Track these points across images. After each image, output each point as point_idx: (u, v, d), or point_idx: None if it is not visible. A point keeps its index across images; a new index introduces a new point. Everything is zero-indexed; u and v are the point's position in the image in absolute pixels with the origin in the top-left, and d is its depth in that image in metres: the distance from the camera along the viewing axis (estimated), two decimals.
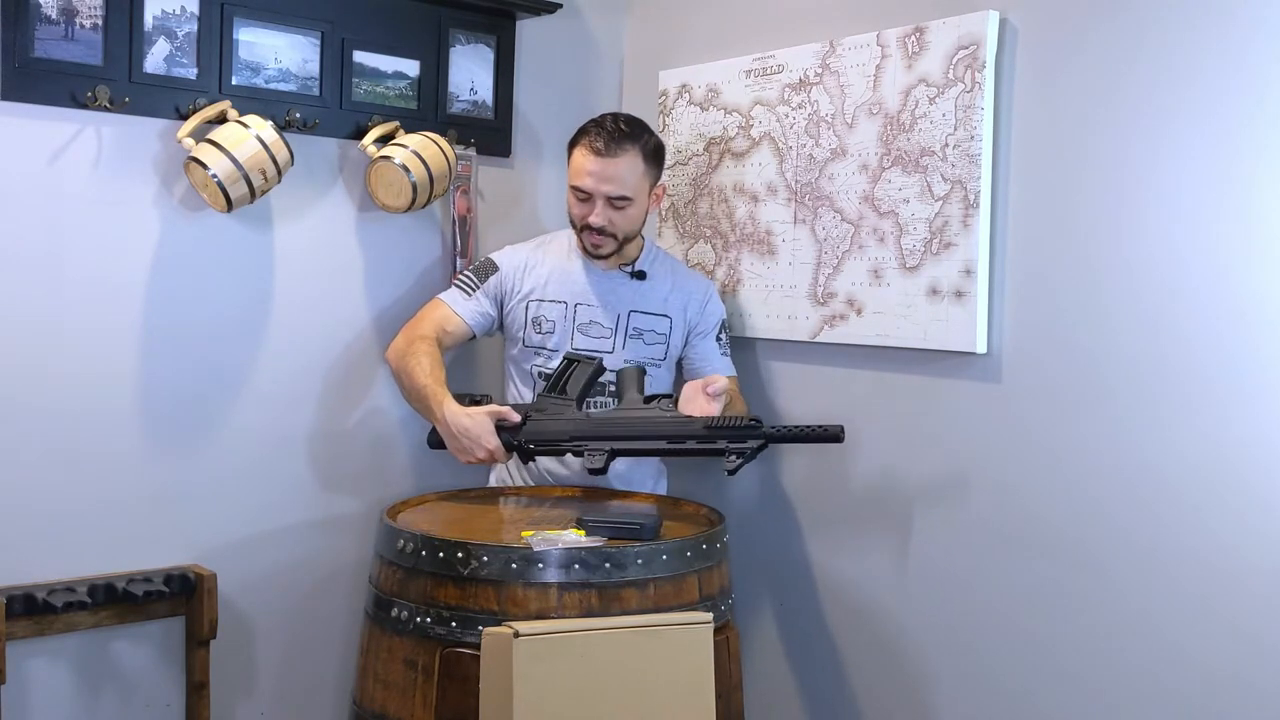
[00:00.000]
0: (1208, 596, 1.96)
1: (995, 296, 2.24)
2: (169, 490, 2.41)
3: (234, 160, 2.26)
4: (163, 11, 2.33)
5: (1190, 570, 1.98)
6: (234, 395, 2.49)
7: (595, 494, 2.45)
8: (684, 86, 2.81)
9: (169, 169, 2.36)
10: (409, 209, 2.55)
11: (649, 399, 2.32)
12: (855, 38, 2.43)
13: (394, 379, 2.50)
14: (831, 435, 2.16)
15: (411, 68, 2.67)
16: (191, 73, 2.37)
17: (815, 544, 2.58)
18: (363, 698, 2.11)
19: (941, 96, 2.28)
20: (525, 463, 2.47)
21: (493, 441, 2.29)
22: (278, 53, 2.48)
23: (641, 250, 2.56)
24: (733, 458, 2.15)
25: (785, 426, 2.20)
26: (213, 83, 2.39)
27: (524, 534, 2.00)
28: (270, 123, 2.34)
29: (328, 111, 2.55)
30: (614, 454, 2.25)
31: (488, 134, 2.81)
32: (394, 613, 2.04)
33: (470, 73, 2.78)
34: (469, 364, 2.82)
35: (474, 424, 2.29)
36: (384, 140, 2.57)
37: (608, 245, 2.45)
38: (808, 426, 2.18)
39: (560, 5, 2.83)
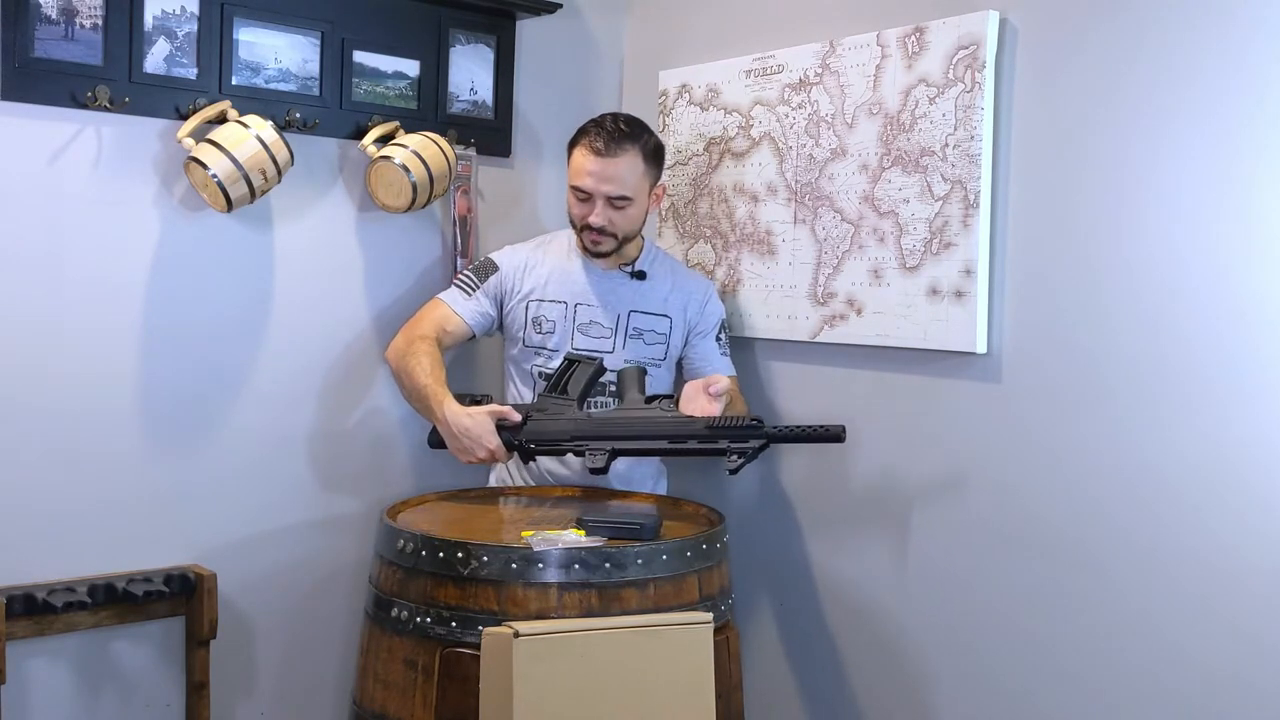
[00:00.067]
0: (1208, 596, 1.96)
1: (995, 296, 2.24)
2: (169, 490, 2.41)
3: (234, 160, 2.26)
4: (163, 11, 2.33)
5: (1190, 570, 1.98)
6: (234, 395, 2.49)
7: (595, 494, 2.45)
8: (684, 86, 2.81)
9: (169, 169, 2.36)
10: (409, 209, 2.55)
11: (650, 399, 2.32)
12: (855, 38, 2.43)
13: (394, 379, 2.50)
14: (833, 435, 2.16)
15: (411, 68, 2.67)
16: (191, 73, 2.37)
17: (815, 544, 2.58)
18: (363, 698, 2.11)
19: (941, 96, 2.28)
20: (526, 463, 2.47)
21: (494, 441, 2.29)
22: (278, 53, 2.48)
23: (641, 250, 2.56)
24: (734, 458, 2.15)
25: (787, 426, 2.20)
26: (213, 83, 2.39)
27: (524, 534, 2.00)
28: (270, 123, 2.34)
29: (328, 111, 2.55)
30: (615, 454, 2.25)
31: (488, 134, 2.81)
32: (394, 613, 2.04)
33: (470, 73, 2.78)
34: (469, 364, 2.82)
35: (475, 424, 2.29)
36: (384, 140, 2.57)
37: (607, 244, 2.45)
38: (809, 426, 2.18)
39: (560, 5, 2.83)
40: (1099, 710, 2.11)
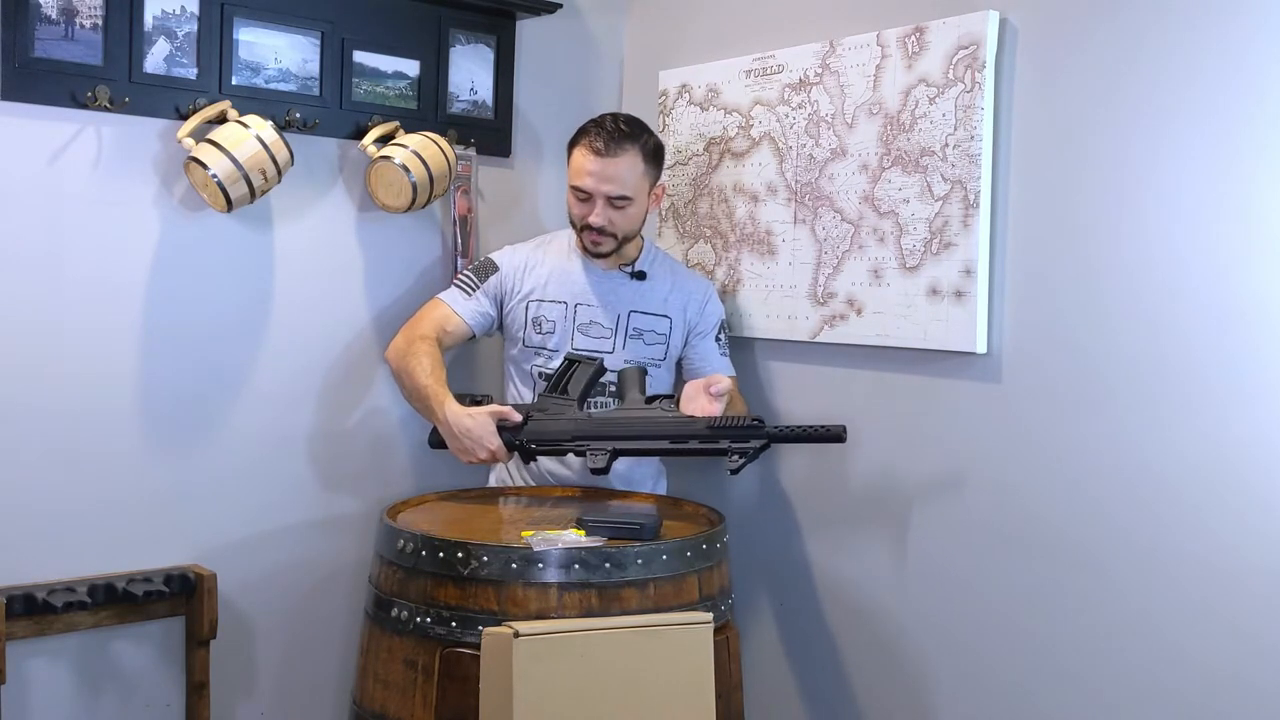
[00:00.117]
0: (1208, 596, 1.96)
1: (995, 296, 2.24)
2: (169, 490, 2.41)
3: (234, 160, 2.26)
4: (163, 11, 2.33)
5: (1190, 570, 1.98)
6: (234, 395, 2.49)
7: (595, 494, 2.45)
8: (684, 86, 2.81)
9: (169, 169, 2.36)
10: (409, 209, 2.55)
11: (650, 399, 2.32)
12: (855, 38, 2.43)
13: (394, 379, 2.50)
14: (834, 435, 2.16)
15: (411, 68, 2.67)
16: (191, 73, 2.37)
17: (815, 544, 2.58)
18: (363, 698, 2.11)
19: (941, 96, 2.28)
20: (527, 463, 2.47)
21: (494, 442, 2.29)
22: (278, 53, 2.48)
23: (641, 250, 2.56)
24: (735, 458, 2.15)
25: (787, 426, 2.20)
26: (213, 83, 2.39)
27: (524, 534, 2.00)
28: (270, 123, 2.34)
29: (328, 111, 2.55)
30: (616, 454, 2.25)
31: (488, 134, 2.81)
32: (394, 613, 2.04)
33: (470, 73, 2.78)
34: (469, 364, 2.82)
35: (476, 424, 2.29)
36: (384, 140, 2.57)
37: (607, 244, 2.45)
38: (810, 426, 2.18)
39: (560, 5, 2.83)
40: (1099, 710, 2.11)
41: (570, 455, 2.39)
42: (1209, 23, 1.95)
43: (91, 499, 2.32)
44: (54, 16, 2.20)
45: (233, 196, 2.28)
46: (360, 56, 2.59)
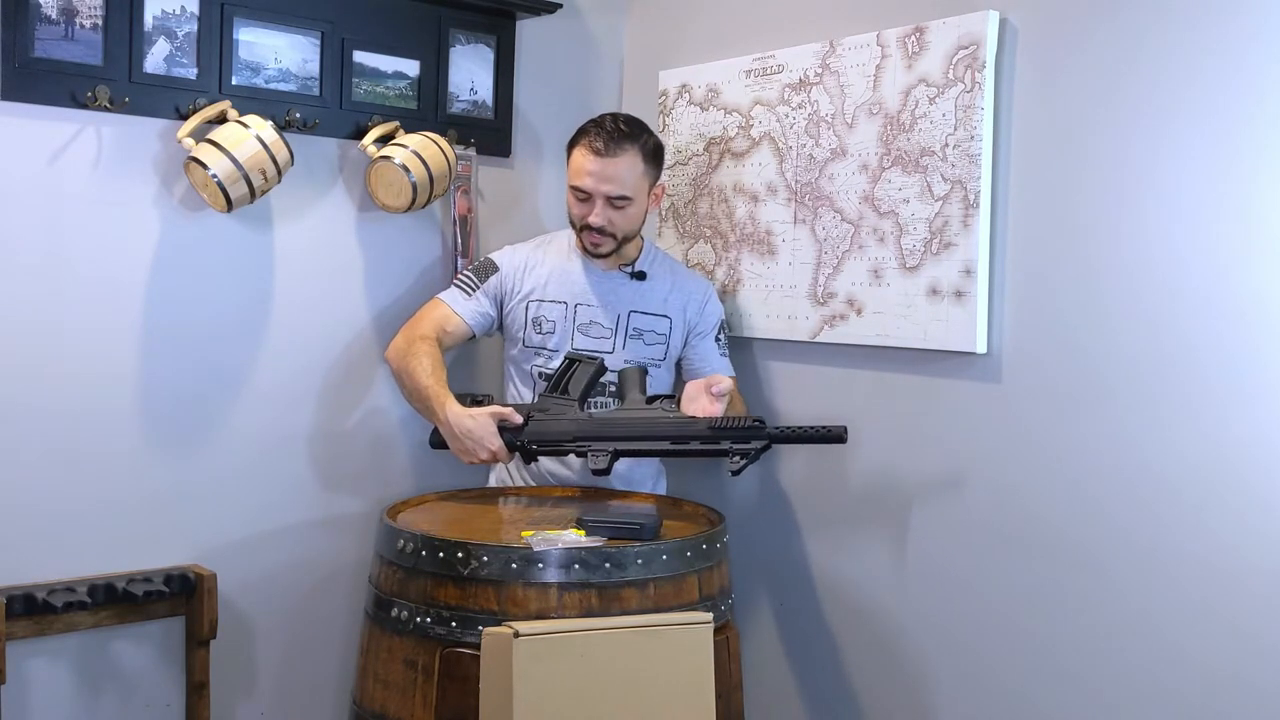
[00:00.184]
0: (1208, 596, 1.96)
1: (995, 296, 2.24)
2: (169, 490, 2.41)
3: (234, 160, 2.26)
4: (163, 11, 2.33)
5: (1190, 570, 1.98)
6: (234, 395, 2.49)
7: (595, 494, 2.45)
8: (684, 86, 2.81)
9: (169, 169, 2.36)
10: (409, 209, 2.55)
11: (651, 399, 2.32)
12: (855, 38, 2.43)
13: (395, 379, 2.50)
14: (835, 436, 2.16)
15: (411, 68, 2.67)
16: (191, 73, 2.37)
17: (815, 544, 2.58)
18: (363, 698, 2.11)
19: (941, 96, 2.28)
20: (527, 463, 2.47)
21: (495, 443, 2.29)
22: (278, 53, 2.48)
23: (641, 250, 2.56)
24: (736, 459, 2.15)
25: (788, 427, 2.20)
26: (213, 83, 2.39)
27: (524, 534, 2.01)
28: (270, 123, 2.34)
29: (328, 111, 2.55)
30: (618, 455, 2.25)
31: (488, 134, 2.81)
32: (394, 613, 2.04)
33: (470, 73, 2.78)
34: (469, 364, 2.82)
35: (477, 425, 2.29)
36: (384, 140, 2.57)
37: (607, 245, 2.45)
38: (811, 427, 2.18)
39: (560, 5, 2.83)
40: (1099, 710, 2.11)
41: (571, 455, 2.39)
42: (1209, 23, 1.95)
43: (91, 499, 2.32)
44: (54, 16, 2.20)
45: (233, 196, 2.28)
46: (360, 56, 2.59)
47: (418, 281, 2.72)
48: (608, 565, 1.97)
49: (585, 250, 2.50)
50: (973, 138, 2.23)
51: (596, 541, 2.00)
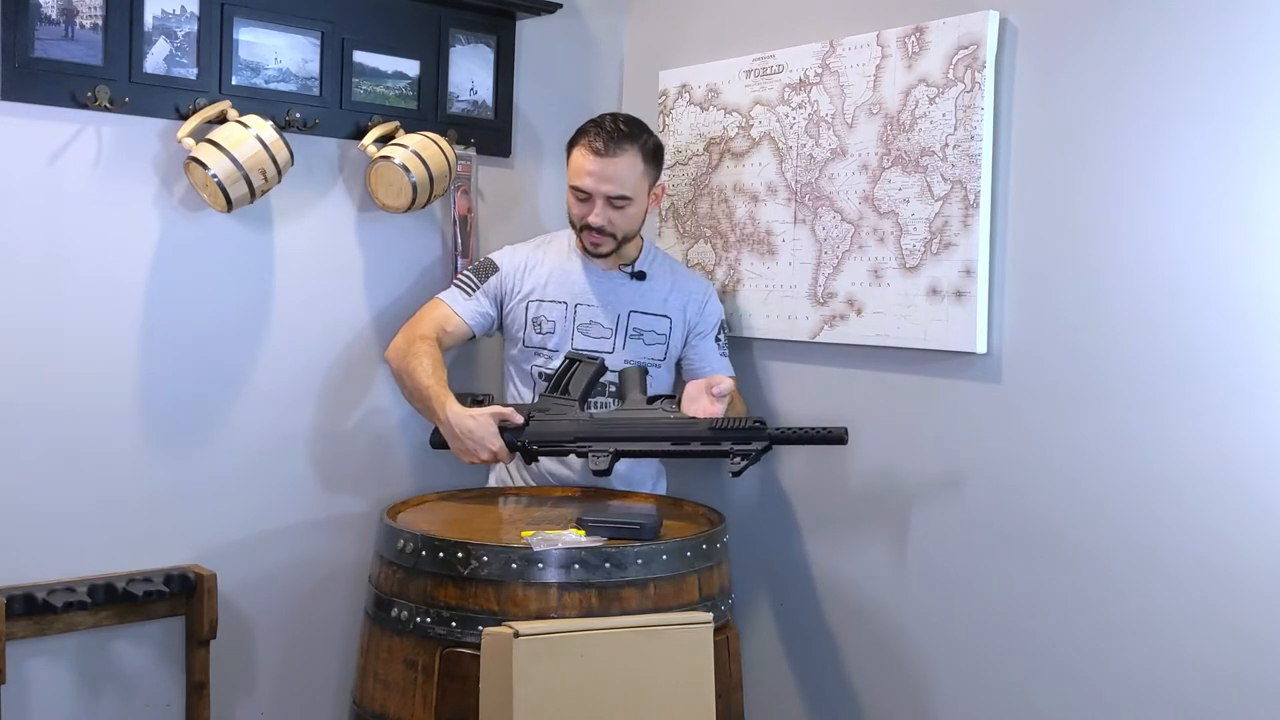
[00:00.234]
0: (1208, 596, 1.96)
1: (995, 296, 2.24)
2: (169, 490, 2.41)
3: (234, 160, 2.26)
4: (163, 11, 2.33)
5: (1190, 570, 1.98)
6: (234, 395, 2.49)
7: (595, 494, 2.45)
8: (684, 86, 2.81)
9: (169, 169, 2.36)
10: (409, 209, 2.55)
11: (652, 400, 2.32)
12: (855, 38, 2.43)
13: (395, 379, 2.50)
14: (835, 437, 2.17)
15: (411, 68, 2.67)
16: (191, 73, 2.37)
17: (815, 544, 2.58)
18: (363, 698, 2.11)
19: (941, 96, 2.28)
20: (528, 464, 2.47)
21: (496, 443, 2.29)
22: (278, 53, 2.48)
23: (640, 250, 2.56)
24: (737, 460, 2.15)
25: (789, 428, 2.20)
26: (213, 83, 2.39)
27: (524, 534, 2.01)
28: (270, 123, 2.34)
29: (328, 111, 2.55)
30: (618, 455, 2.25)
31: (488, 134, 2.81)
32: (394, 613, 2.04)
33: (470, 73, 2.78)
34: (469, 364, 2.82)
35: (477, 425, 2.29)
36: (384, 140, 2.57)
37: (607, 245, 2.45)
38: (812, 429, 2.18)
39: (560, 5, 2.83)
40: (1099, 710, 2.11)
41: (572, 456, 2.39)
42: (1209, 23, 1.95)
43: (91, 499, 2.32)
44: (54, 16, 2.20)
45: (233, 196, 2.28)
46: (360, 56, 2.59)
47: (418, 281, 2.72)
48: (608, 565, 1.97)
49: (585, 250, 2.50)
50: (973, 138, 2.23)
51: (596, 541, 2.00)
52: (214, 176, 2.25)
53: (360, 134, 2.58)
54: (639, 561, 1.99)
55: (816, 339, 2.52)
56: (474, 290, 2.52)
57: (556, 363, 2.45)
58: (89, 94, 2.24)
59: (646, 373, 2.38)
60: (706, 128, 2.75)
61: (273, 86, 2.47)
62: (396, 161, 2.49)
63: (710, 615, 1.90)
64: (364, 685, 2.11)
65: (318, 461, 2.62)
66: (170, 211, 2.38)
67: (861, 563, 2.48)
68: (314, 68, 2.53)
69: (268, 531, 2.55)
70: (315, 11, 2.51)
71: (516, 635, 1.71)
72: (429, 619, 1.99)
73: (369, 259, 2.66)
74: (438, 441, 2.40)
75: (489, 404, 2.37)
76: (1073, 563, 2.13)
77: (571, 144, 2.45)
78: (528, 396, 2.51)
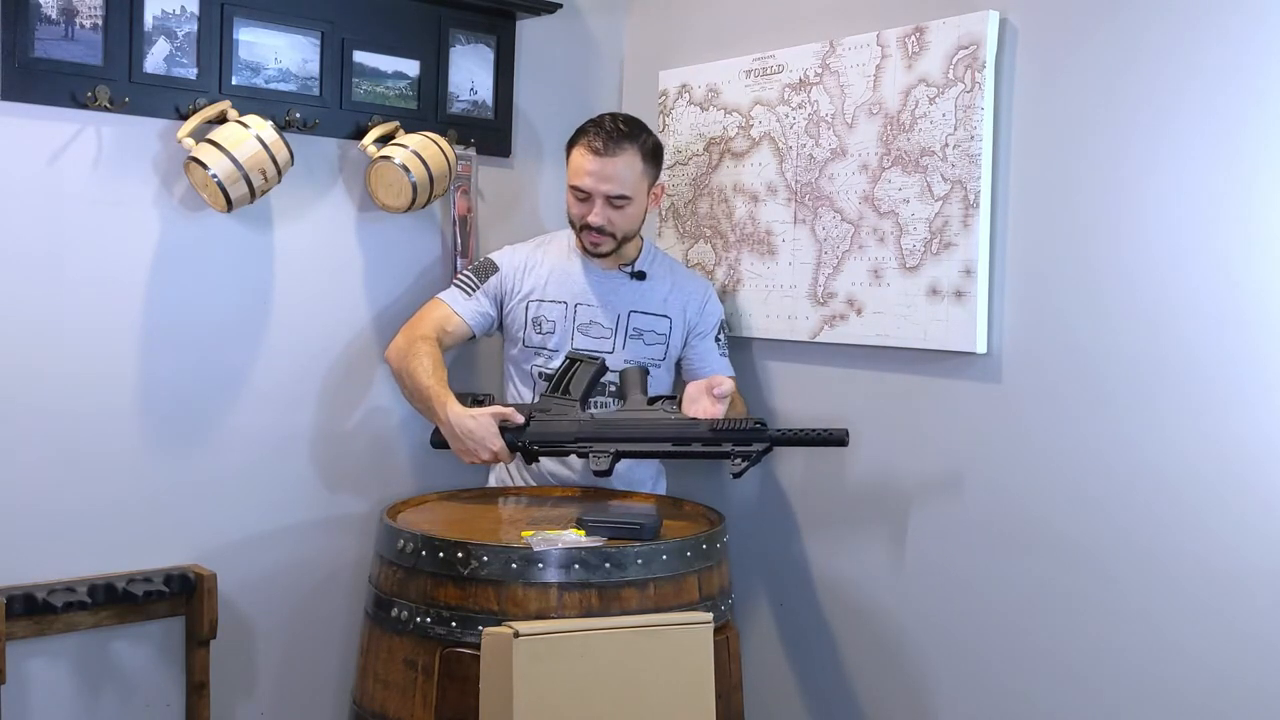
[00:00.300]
0: (1208, 596, 1.96)
1: (995, 296, 2.24)
2: (169, 490, 2.41)
3: (234, 160, 2.26)
4: (163, 11, 2.32)
5: (1190, 570, 1.98)
6: (234, 395, 2.49)
7: (595, 494, 2.45)
8: (684, 86, 2.81)
9: (169, 169, 2.36)
10: (409, 209, 2.55)
11: (652, 400, 2.32)
12: (855, 38, 2.43)
13: (395, 379, 2.50)
14: (836, 439, 2.17)
15: (411, 68, 2.67)
16: (191, 73, 2.37)
17: (815, 544, 2.58)
18: (363, 698, 2.11)
19: (941, 96, 2.28)
20: (529, 464, 2.47)
21: (497, 443, 2.29)
22: (278, 53, 2.48)
23: (640, 250, 2.56)
24: (738, 461, 2.15)
25: (790, 429, 2.21)
26: (213, 83, 2.39)
27: (524, 534, 2.01)
28: (270, 123, 2.34)
29: (328, 111, 2.55)
30: (619, 456, 2.25)
31: (488, 134, 2.81)
32: (394, 613, 2.04)
33: (470, 73, 2.78)
34: (469, 364, 2.82)
35: (478, 425, 2.29)
36: (384, 140, 2.57)
37: (607, 244, 2.45)
38: (813, 430, 2.18)
39: (560, 5, 2.83)
40: (1099, 710, 2.11)
41: (572, 456, 2.39)
42: (1209, 22, 1.95)
43: (91, 499, 2.32)
44: (54, 16, 2.20)
45: (233, 196, 2.28)
46: (360, 56, 2.59)
47: (418, 281, 2.72)
48: (608, 565, 1.97)
49: (585, 250, 2.50)
50: (973, 138, 2.23)
51: (596, 541, 2.00)
52: (214, 176, 2.25)
53: (360, 134, 2.58)
54: (639, 561, 1.99)
55: (816, 339, 2.52)
56: (474, 290, 2.52)
57: (556, 363, 2.45)
58: (89, 94, 2.24)
59: (647, 373, 2.38)
60: (706, 128, 2.75)
61: (273, 86, 2.47)
62: (396, 161, 2.49)
63: (710, 615, 1.90)
64: (364, 685, 2.11)
65: (318, 461, 2.62)
66: (170, 211, 2.38)
67: (861, 563, 2.48)
68: (314, 68, 2.53)
69: (268, 531, 2.55)
70: (315, 11, 2.51)
71: (516, 635, 1.71)
72: (429, 619, 1.99)
73: (369, 259, 2.66)
74: (438, 441, 2.40)
75: (489, 404, 2.37)
76: (1073, 563, 2.13)
77: (571, 144, 2.45)
78: (528, 396, 2.51)
